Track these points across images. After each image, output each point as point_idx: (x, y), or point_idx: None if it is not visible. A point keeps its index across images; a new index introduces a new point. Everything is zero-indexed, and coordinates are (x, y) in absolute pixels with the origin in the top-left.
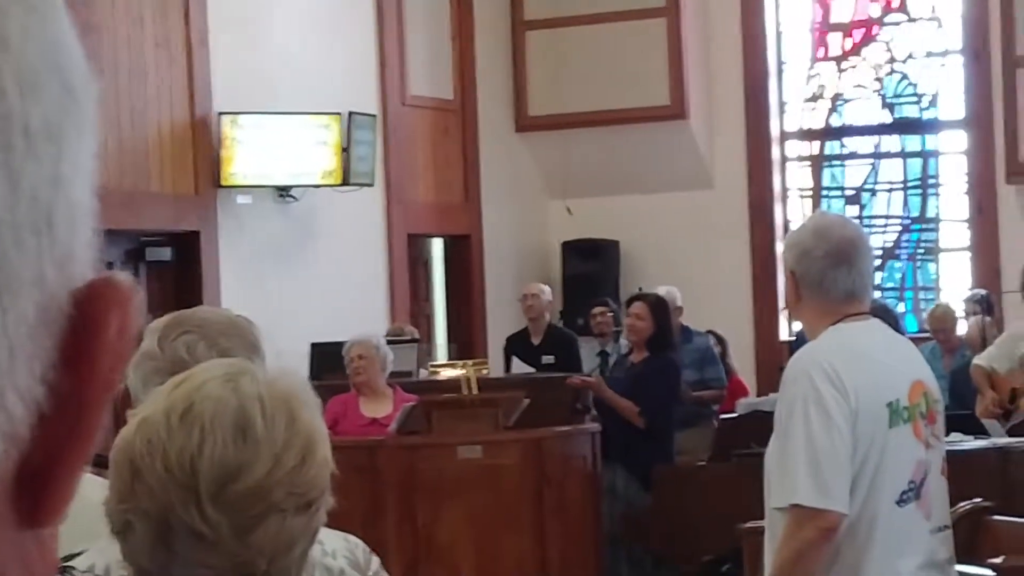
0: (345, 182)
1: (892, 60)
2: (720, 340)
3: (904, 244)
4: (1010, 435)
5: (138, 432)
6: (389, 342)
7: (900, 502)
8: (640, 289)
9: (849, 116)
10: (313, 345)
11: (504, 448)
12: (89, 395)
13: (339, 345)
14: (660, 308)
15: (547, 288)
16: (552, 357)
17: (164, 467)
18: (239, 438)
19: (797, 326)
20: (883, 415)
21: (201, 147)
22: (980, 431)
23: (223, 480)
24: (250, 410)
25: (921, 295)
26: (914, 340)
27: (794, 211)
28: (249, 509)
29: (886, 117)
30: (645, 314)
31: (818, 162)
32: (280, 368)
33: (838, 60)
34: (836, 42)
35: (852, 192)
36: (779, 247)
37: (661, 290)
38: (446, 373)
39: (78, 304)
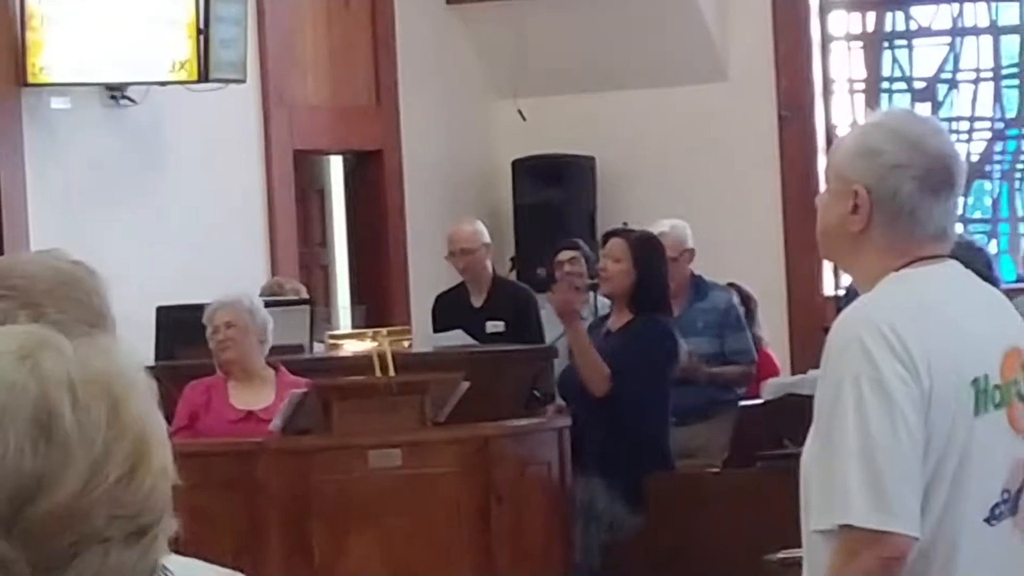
0: (203, 78)
1: None
2: (745, 298)
3: (996, 157)
4: None
5: None
6: (268, 304)
7: (990, 519)
8: (625, 225)
9: None
10: (160, 309)
11: (434, 452)
12: None
13: (198, 309)
14: (646, 248)
15: (482, 229)
16: (500, 323)
17: None
18: (40, 440)
19: (847, 277)
20: (967, 398)
21: None
22: None
23: (18, 500)
24: (55, 399)
25: (1021, 228)
26: (1010, 292)
27: (841, 112)
28: (56, 540)
29: None
30: (623, 255)
31: (875, 42)
32: (103, 341)
33: None
34: None
35: (922, 84)
36: (821, 159)
37: (662, 225)
38: (351, 347)
39: None
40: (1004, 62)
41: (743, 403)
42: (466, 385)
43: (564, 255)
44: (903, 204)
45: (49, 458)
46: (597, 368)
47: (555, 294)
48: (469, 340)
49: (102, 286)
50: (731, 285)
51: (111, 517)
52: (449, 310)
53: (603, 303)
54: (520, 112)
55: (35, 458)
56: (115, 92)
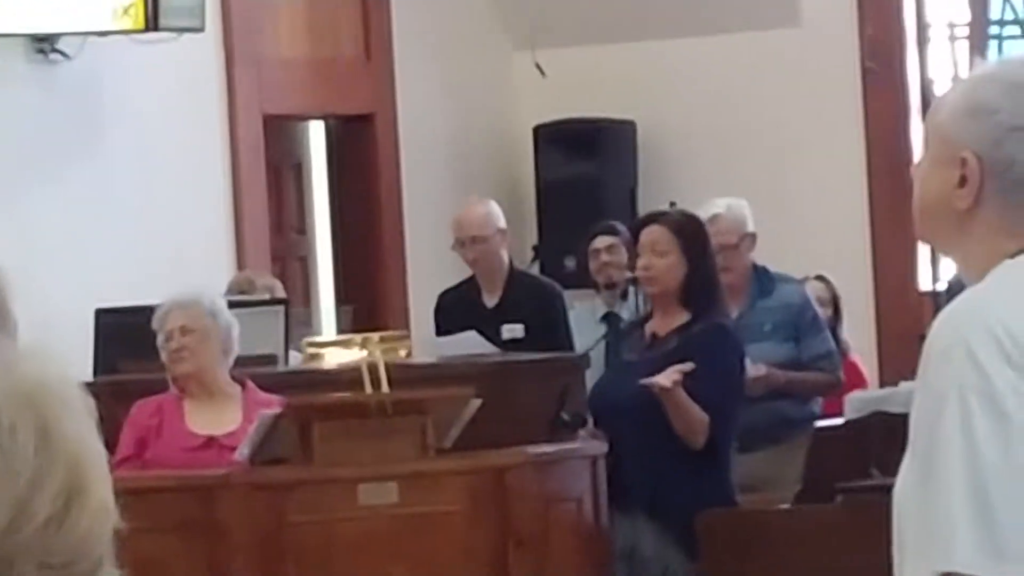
0: (152, 26)
1: None
2: (834, 296)
3: None
4: None
5: None
6: (233, 304)
7: None
8: (673, 206)
9: None
10: (100, 312)
11: (438, 486)
12: None
13: (146, 311)
14: (694, 234)
15: (496, 211)
16: (519, 327)
17: None
18: None
19: (950, 267)
20: None
21: None
22: None
23: None
24: None
25: None
26: None
27: (939, 64)
28: None
29: None
30: (670, 246)
31: None
32: (27, 347)
33: None
34: None
35: None
36: (916, 120)
37: (716, 205)
38: (335, 357)
39: None
40: None
41: (820, 424)
42: (477, 403)
43: (600, 242)
44: (1022, 174)
45: None
46: (696, 421)
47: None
48: (481, 346)
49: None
50: (819, 278)
51: (39, 566)
52: (456, 311)
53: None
54: (538, 66)
55: None
56: (43, 44)
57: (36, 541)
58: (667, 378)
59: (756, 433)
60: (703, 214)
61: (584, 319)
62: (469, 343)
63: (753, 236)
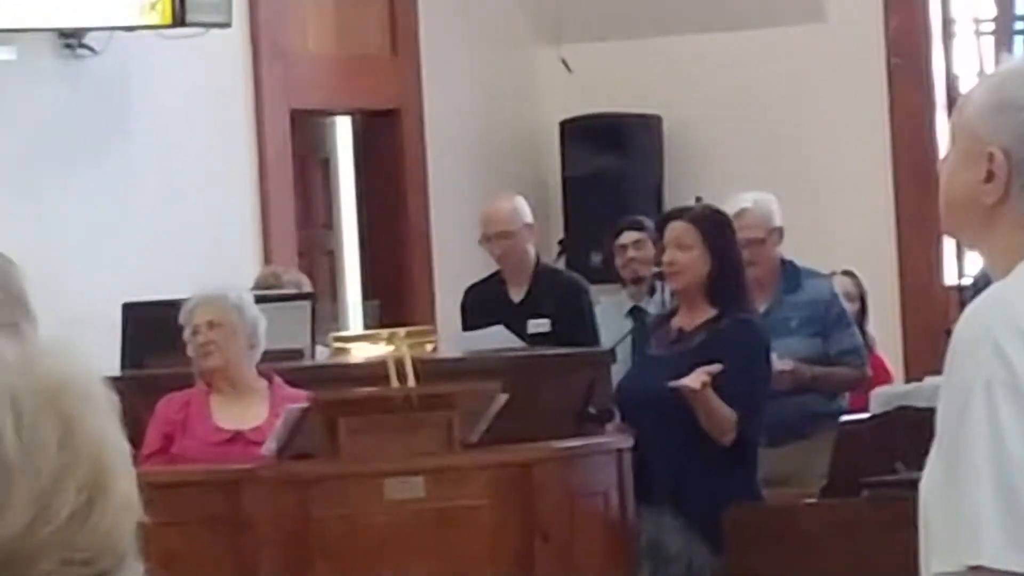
0: (179, 22)
1: None
2: (859, 292)
3: None
4: None
5: None
6: (260, 299)
7: None
8: (699, 200)
9: None
10: (127, 307)
11: (464, 480)
12: None
13: (172, 305)
14: (718, 228)
15: (523, 207)
16: (546, 321)
17: None
18: None
19: (976, 262)
20: None
21: None
22: None
23: None
24: None
25: None
26: None
27: (965, 59)
28: None
29: None
30: (694, 241)
31: None
32: (50, 342)
33: None
34: None
35: None
36: (941, 116)
37: (744, 200)
38: (362, 352)
39: None
40: None
41: (845, 418)
42: (504, 398)
43: (627, 237)
44: None
45: None
46: (725, 420)
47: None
48: (508, 341)
49: (21, 277)
50: (846, 273)
51: (62, 562)
52: (483, 306)
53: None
54: (564, 62)
55: None
56: (70, 39)
57: (58, 537)
58: (695, 380)
59: (783, 428)
60: (730, 208)
61: (610, 314)
62: (496, 338)
63: (780, 231)
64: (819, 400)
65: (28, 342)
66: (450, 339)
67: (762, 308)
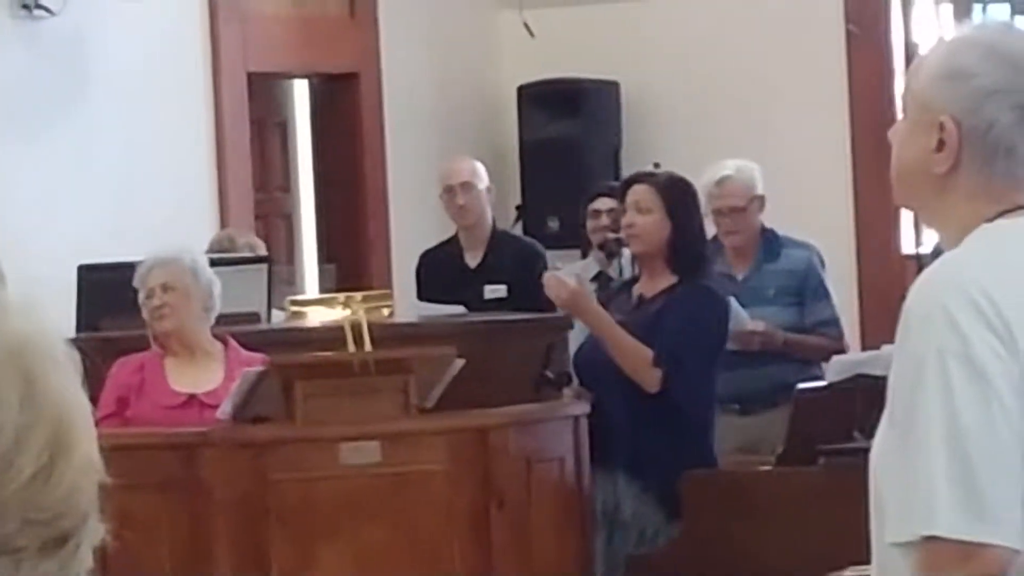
0: None
1: None
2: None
3: None
4: None
5: None
6: (215, 263)
7: None
8: (657, 167)
9: None
10: (83, 268)
11: (420, 445)
12: None
13: (128, 268)
14: (680, 194)
15: (482, 170)
16: (502, 287)
17: None
18: None
19: (931, 233)
20: None
21: None
22: None
23: None
24: None
25: None
26: None
27: (923, 25)
28: None
29: None
30: (654, 205)
31: None
32: (11, 302)
33: None
34: None
35: None
36: (899, 84)
37: (725, 167)
38: (318, 316)
39: None
40: None
41: (802, 386)
42: (460, 363)
43: (602, 203)
44: (1000, 139)
45: None
46: (639, 356)
47: (550, 286)
48: (459, 307)
49: None
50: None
51: (24, 522)
52: (438, 270)
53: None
54: (527, 26)
55: None
56: (27, 0)
57: (20, 497)
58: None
59: (757, 396)
60: (711, 176)
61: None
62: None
63: (762, 199)
64: (793, 369)
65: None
66: (405, 304)
67: (740, 276)
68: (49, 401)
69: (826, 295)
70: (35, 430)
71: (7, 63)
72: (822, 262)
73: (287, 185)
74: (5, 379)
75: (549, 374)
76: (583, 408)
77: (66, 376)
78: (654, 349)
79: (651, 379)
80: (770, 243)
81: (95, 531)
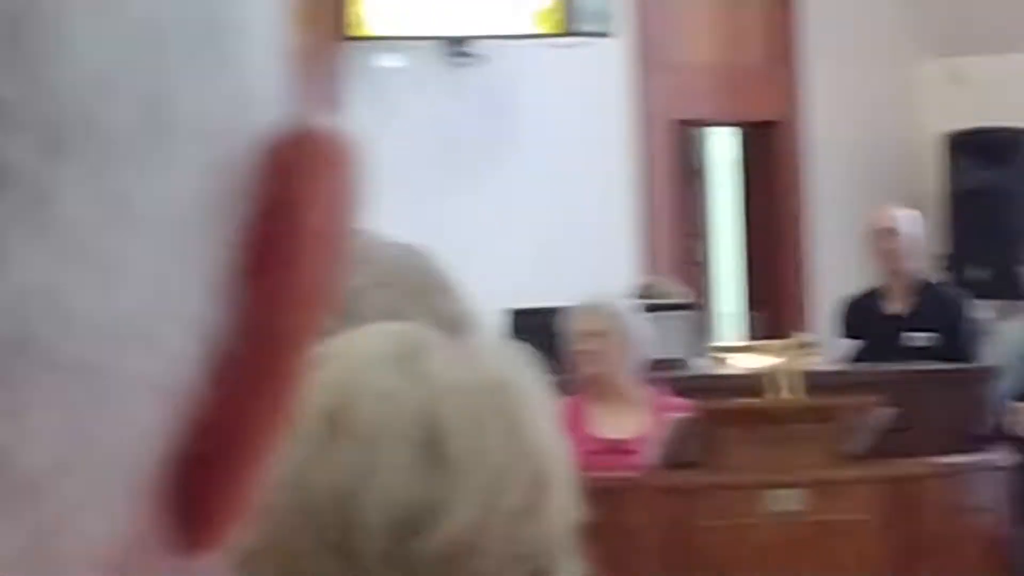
0: (565, 31)
1: None
2: None
3: None
4: None
5: None
6: (647, 308)
7: None
8: None
9: None
10: (515, 313)
11: (845, 494)
12: (281, 322)
13: (552, 313)
14: None
15: (915, 215)
16: (925, 335)
17: (300, 508)
18: (425, 461)
19: None
20: None
21: None
22: None
23: (401, 531)
24: (443, 413)
25: None
26: None
27: None
28: None
29: None
30: None
31: None
32: (487, 344)
33: None
34: None
35: None
36: None
37: None
38: (742, 362)
39: (266, 170)
40: None
41: None
42: (890, 412)
43: None
44: None
45: (436, 483)
46: None
47: None
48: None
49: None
50: None
51: (508, 556)
52: (861, 316)
53: None
54: (955, 75)
55: (421, 483)
56: (457, 48)
57: (504, 530)
58: None
59: None
60: None
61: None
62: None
63: None
64: None
65: (468, 345)
66: (829, 352)
67: None
68: (530, 440)
69: None
70: (517, 467)
71: (436, 109)
72: None
73: (703, 231)
74: (487, 419)
75: (985, 430)
76: (1011, 460)
77: (544, 416)
78: None
79: None
80: None
81: (570, 571)
